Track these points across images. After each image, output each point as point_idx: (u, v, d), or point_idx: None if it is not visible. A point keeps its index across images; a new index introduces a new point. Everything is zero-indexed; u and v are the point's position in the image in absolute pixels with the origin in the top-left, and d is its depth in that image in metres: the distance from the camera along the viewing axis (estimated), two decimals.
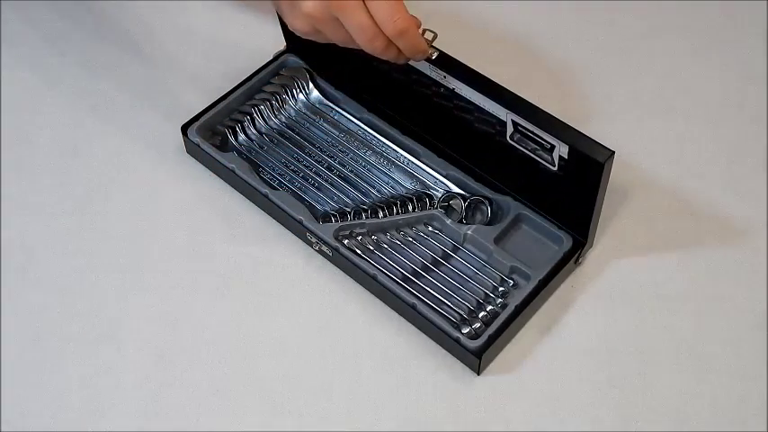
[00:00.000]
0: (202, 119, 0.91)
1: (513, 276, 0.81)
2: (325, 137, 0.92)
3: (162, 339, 0.80)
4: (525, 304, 0.78)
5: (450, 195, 0.86)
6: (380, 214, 0.85)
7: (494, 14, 1.06)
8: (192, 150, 0.92)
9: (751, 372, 0.77)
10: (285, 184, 0.88)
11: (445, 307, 0.79)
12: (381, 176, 0.88)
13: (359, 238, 0.84)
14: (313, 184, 0.88)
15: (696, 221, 0.87)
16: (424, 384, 0.77)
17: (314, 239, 0.83)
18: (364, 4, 0.71)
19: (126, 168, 0.92)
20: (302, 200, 0.86)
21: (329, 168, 0.89)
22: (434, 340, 0.79)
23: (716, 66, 1.00)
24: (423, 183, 0.87)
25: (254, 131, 0.93)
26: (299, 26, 0.75)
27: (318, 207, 0.86)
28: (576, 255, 0.82)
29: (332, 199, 0.87)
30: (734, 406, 0.75)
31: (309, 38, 0.76)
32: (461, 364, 0.78)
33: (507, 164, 0.81)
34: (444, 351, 0.78)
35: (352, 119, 0.92)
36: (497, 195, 0.85)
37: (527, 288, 0.79)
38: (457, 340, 0.76)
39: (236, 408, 0.76)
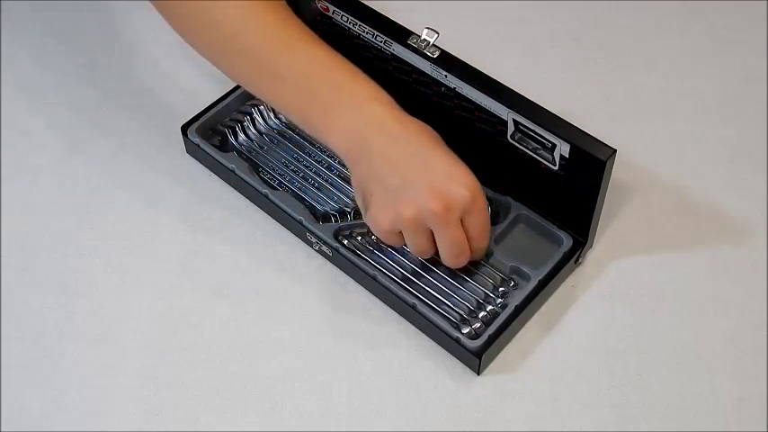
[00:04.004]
0: (202, 119, 0.91)
1: (513, 276, 0.81)
2: None
3: (162, 339, 0.80)
4: (525, 304, 0.78)
5: None
6: None
7: (494, 14, 1.06)
8: (192, 150, 0.92)
9: (751, 372, 0.77)
10: (285, 184, 0.88)
11: (445, 307, 0.79)
12: None
13: (359, 238, 0.84)
14: (313, 184, 0.88)
15: (696, 221, 0.87)
16: (424, 384, 0.77)
17: (314, 239, 0.83)
18: (462, 220, 0.74)
19: (126, 168, 0.92)
20: (302, 200, 0.86)
21: (329, 168, 0.89)
22: (434, 340, 0.79)
23: (716, 66, 1.00)
24: None
25: (254, 131, 0.93)
26: (385, 225, 0.74)
27: (318, 207, 0.86)
28: (576, 255, 0.82)
29: (332, 199, 0.87)
30: (734, 406, 0.75)
31: (381, 236, 0.76)
32: (461, 364, 0.78)
33: (508, 164, 0.81)
34: (444, 351, 0.78)
35: None
36: (497, 195, 0.85)
37: (527, 288, 0.79)
38: (457, 340, 0.76)
39: (236, 408, 0.76)
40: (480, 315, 0.79)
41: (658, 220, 0.87)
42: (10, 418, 0.76)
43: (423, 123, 0.75)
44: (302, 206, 0.85)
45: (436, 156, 0.73)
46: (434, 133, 0.75)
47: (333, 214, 0.86)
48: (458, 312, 0.79)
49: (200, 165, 0.92)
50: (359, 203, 0.77)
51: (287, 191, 0.87)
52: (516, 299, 0.78)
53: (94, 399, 0.77)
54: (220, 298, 0.82)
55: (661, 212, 0.88)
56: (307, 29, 0.78)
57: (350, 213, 0.85)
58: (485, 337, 0.76)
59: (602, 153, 0.72)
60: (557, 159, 0.76)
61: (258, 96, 0.81)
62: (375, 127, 0.73)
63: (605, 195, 0.77)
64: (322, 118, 0.75)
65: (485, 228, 0.76)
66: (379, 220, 0.75)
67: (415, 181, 0.72)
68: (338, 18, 0.84)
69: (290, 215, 0.85)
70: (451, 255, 0.76)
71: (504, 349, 0.79)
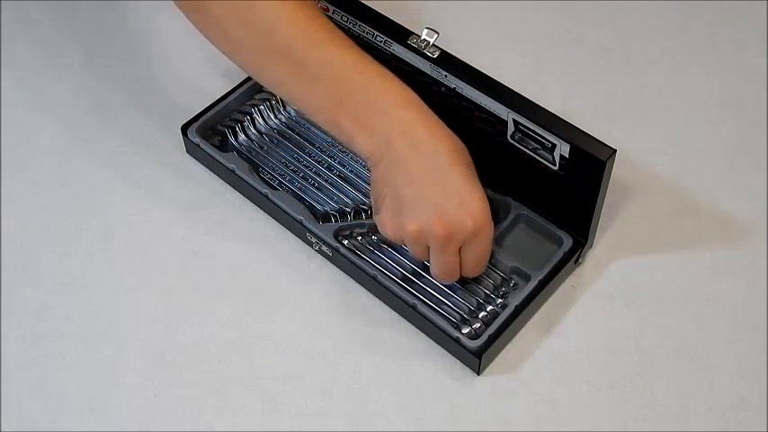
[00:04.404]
0: (202, 119, 0.91)
1: (513, 276, 0.81)
2: (326, 137, 0.92)
3: (162, 339, 0.80)
4: (525, 304, 0.78)
5: None
6: None
7: (494, 14, 1.06)
8: (192, 150, 0.92)
9: (751, 372, 0.77)
10: (285, 184, 0.88)
11: (445, 307, 0.79)
12: None
13: (359, 238, 0.84)
14: (313, 184, 0.88)
15: (696, 221, 0.87)
16: (424, 384, 0.77)
17: (314, 239, 0.83)
18: (459, 248, 0.74)
19: (126, 168, 0.92)
20: (302, 200, 0.86)
21: (329, 168, 0.89)
22: (434, 340, 0.79)
23: (716, 66, 1.00)
24: None
25: (254, 131, 0.93)
26: (389, 230, 0.76)
27: (318, 207, 0.86)
28: (576, 255, 0.82)
29: (332, 199, 0.87)
30: (734, 406, 0.75)
31: (385, 236, 0.77)
32: (461, 364, 0.78)
33: (508, 164, 0.81)
34: (444, 351, 0.78)
35: None
36: (497, 195, 0.85)
37: (527, 288, 0.79)
38: (457, 340, 0.76)
39: (236, 408, 0.76)
40: (480, 315, 0.79)
41: (658, 220, 0.87)
42: (10, 418, 0.76)
43: (452, 136, 0.74)
44: (302, 206, 0.85)
45: (453, 176, 0.72)
46: (461, 148, 0.74)
47: (333, 214, 0.86)
48: (458, 312, 0.79)
49: (200, 165, 0.92)
50: (372, 201, 0.78)
51: (287, 191, 0.87)
52: (516, 299, 0.78)
53: (94, 399, 0.77)
54: (220, 298, 0.82)
55: (661, 212, 0.88)
56: (336, 29, 0.76)
57: (350, 213, 0.85)
58: (485, 337, 0.76)
59: (602, 153, 0.72)
60: (557, 159, 0.76)
61: (285, 99, 0.80)
62: (401, 132, 0.72)
63: (605, 195, 0.77)
64: (350, 121, 0.74)
65: (481, 259, 0.76)
66: (386, 224, 0.75)
67: (426, 198, 0.72)
68: (338, 18, 0.84)
69: (290, 215, 0.85)
70: (440, 272, 0.77)
71: (504, 349, 0.79)
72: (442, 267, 0.76)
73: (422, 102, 0.74)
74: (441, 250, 0.74)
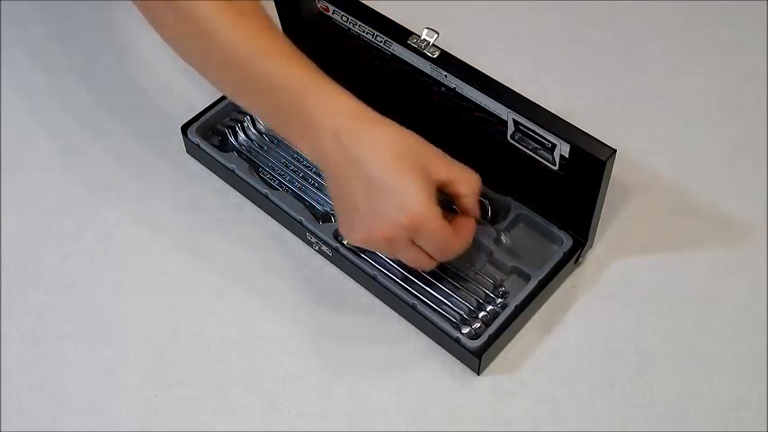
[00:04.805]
0: (202, 119, 0.91)
1: (513, 276, 0.81)
2: None
3: (162, 339, 0.80)
4: (525, 304, 0.78)
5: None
6: None
7: (494, 14, 1.06)
8: (192, 150, 0.92)
9: (751, 372, 0.77)
10: (285, 184, 0.88)
11: (445, 307, 0.79)
12: None
13: None
14: (313, 184, 0.88)
15: (696, 221, 0.87)
16: (424, 384, 0.77)
17: (314, 239, 0.83)
18: (413, 243, 0.73)
19: (126, 168, 0.92)
20: (302, 200, 0.86)
21: None
22: (434, 340, 0.79)
23: (716, 66, 1.00)
24: None
25: (254, 131, 0.93)
26: (348, 240, 0.78)
27: (318, 207, 0.86)
28: (576, 255, 0.82)
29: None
30: (734, 406, 0.75)
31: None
32: (461, 364, 0.78)
33: (508, 164, 0.81)
34: (444, 351, 0.78)
35: None
36: (497, 195, 0.85)
37: (527, 288, 0.79)
38: (457, 340, 0.76)
39: (236, 408, 0.76)
40: (480, 315, 0.79)
41: (658, 220, 0.87)
42: (10, 418, 0.76)
43: (388, 129, 0.72)
44: (302, 206, 0.85)
45: (384, 177, 0.70)
46: (395, 143, 0.71)
47: (333, 214, 0.85)
48: (458, 312, 0.79)
49: (200, 165, 0.92)
50: None
51: (287, 191, 0.87)
52: (516, 299, 0.78)
53: (94, 399, 0.77)
54: (220, 298, 0.82)
55: (661, 212, 0.88)
56: (277, 33, 0.75)
57: None
58: (485, 337, 0.76)
59: (602, 153, 0.72)
60: (557, 159, 0.76)
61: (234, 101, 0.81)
62: (332, 144, 0.71)
63: (605, 195, 0.77)
64: (289, 132, 0.75)
65: (440, 245, 0.73)
66: (343, 234, 0.76)
67: (360, 208, 0.71)
68: (338, 18, 0.84)
69: (290, 215, 0.85)
70: (414, 266, 0.77)
71: (504, 349, 0.79)
72: (409, 263, 0.75)
73: (355, 105, 0.73)
74: (392, 252, 0.74)
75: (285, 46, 0.75)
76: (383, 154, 0.71)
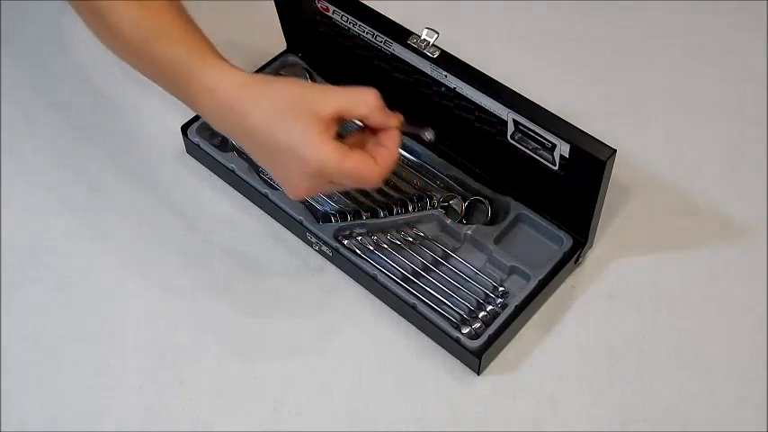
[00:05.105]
0: (202, 119, 0.91)
1: (513, 276, 0.81)
2: None
3: (162, 339, 0.80)
4: (525, 304, 0.78)
5: (450, 195, 0.86)
6: (380, 214, 0.85)
7: (494, 14, 1.06)
8: (192, 150, 0.92)
9: (751, 372, 0.77)
10: None
11: (445, 307, 0.79)
12: None
13: (359, 238, 0.84)
14: None
15: (696, 221, 0.87)
16: (424, 384, 0.77)
17: (314, 239, 0.83)
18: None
19: (126, 168, 0.92)
20: (302, 200, 0.86)
21: None
22: (434, 340, 0.79)
23: (716, 66, 1.00)
24: (423, 183, 0.87)
25: None
26: (293, 199, 0.76)
27: (318, 207, 0.86)
28: (576, 255, 0.82)
29: (332, 199, 0.87)
30: (734, 406, 0.75)
31: None
32: (461, 364, 0.78)
33: (508, 164, 0.81)
34: (444, 351, 0.78)
35: None
36: (497, 195, 0.85)
37: (527, 288, 0.79)
38: (457, 340, 0.76)
39: (237, 408, 0.76)
40: (480, 315, 0.79)
41: (658, 220, 0.87)
42: (10, 418, 0.76)
43: (264, 88, 0.72)
44: (302, 206, 0.85)
45: (274, 139, 0.70)
46: (273, 97, 0.71)
47: (333, 214, 0.85)
48: (458, 312, 0.79)
49: (200, 165, 0.92)
50: None
51: None
52: (516, 299, 0.78)
53: (94, 399, 0.77)
54: (220, 298, 0.82)
55: (661, 212, 0.88)
56: (172, 9, 0.76)
57: (350, 213, 0.85)
58: (485, 337, 0.76)
59: (602, 153, 0.72)
60: (557, 159, 0.76)
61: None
62: (224, 122, 0.73)
63: (605, 195, 0.77)
64: (194, 110, 0.77)
65: (353, 180, 0.71)
66: (290, 194, 0.75)
67: (275, 173, 0.74)
68: (338, 18, 0.84)
69: (290, 215, 0.85)
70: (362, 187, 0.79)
71: (504, 349, 0.79)
72: (352, 188, 0.78)
73: (236, 75, 0.72)
74: (327, 193, 0.81)
75: (177, 29, 0.75)
76: (265, 117, 0.70)
